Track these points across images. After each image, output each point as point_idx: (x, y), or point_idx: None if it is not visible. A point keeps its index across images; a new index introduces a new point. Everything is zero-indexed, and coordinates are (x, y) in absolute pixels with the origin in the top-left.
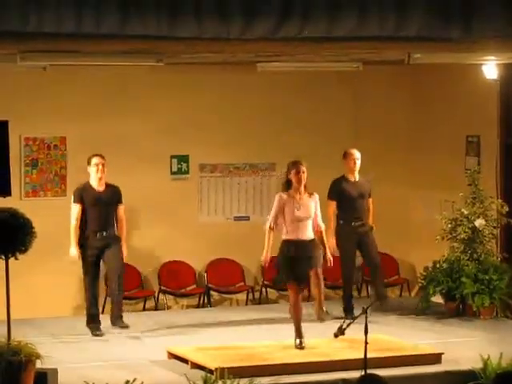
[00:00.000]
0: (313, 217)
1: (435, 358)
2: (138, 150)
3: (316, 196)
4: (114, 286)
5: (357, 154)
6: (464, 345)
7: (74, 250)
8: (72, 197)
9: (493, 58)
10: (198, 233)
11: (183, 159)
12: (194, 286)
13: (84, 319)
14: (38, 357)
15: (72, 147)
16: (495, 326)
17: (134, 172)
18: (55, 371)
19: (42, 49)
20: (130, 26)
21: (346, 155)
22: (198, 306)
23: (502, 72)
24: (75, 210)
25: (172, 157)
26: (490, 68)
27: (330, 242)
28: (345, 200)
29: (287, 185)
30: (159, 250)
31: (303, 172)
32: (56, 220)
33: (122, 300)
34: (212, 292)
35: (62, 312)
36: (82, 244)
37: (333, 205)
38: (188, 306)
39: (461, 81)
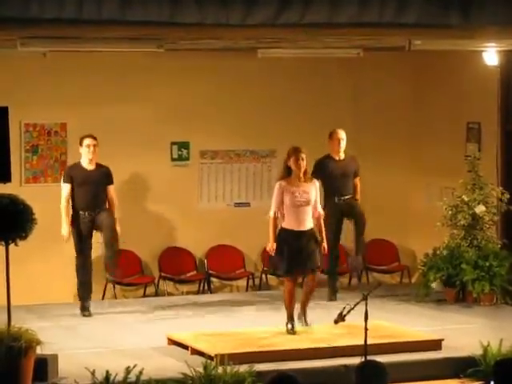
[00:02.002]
0: (313, 203)
1: (435, 345)
2: (138, 137)
3: (316, 182)
4: (107, 242)
5: (342, 134)
6: (464, 331)
7: (64, 230)
8: (62, 177)
9: (493, 44)
10: (199, 219)
11: (184, 146)
12: (195, 272)
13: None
14: (39, 343)
15: (72, 133)
16: (495, 313)
17: (135, 158)
18: (55, 357)
19: (43, 35)
20: (131, 12)
21: (331, 135)
22: (198, 293)
23: (503, 59)
24: (65, 189)
25: (172, 143)
26: (491, 55)
27: None
28: (328, 178)
29: (286, 172)
30: (159, 236)
31: (302, 159)
32: (56, 206)
33: (116, 256)
34: (212, 278)
35: (62, 298)
36: (72, 224)
37: None
38: (188, 293)
39: (461, 67)
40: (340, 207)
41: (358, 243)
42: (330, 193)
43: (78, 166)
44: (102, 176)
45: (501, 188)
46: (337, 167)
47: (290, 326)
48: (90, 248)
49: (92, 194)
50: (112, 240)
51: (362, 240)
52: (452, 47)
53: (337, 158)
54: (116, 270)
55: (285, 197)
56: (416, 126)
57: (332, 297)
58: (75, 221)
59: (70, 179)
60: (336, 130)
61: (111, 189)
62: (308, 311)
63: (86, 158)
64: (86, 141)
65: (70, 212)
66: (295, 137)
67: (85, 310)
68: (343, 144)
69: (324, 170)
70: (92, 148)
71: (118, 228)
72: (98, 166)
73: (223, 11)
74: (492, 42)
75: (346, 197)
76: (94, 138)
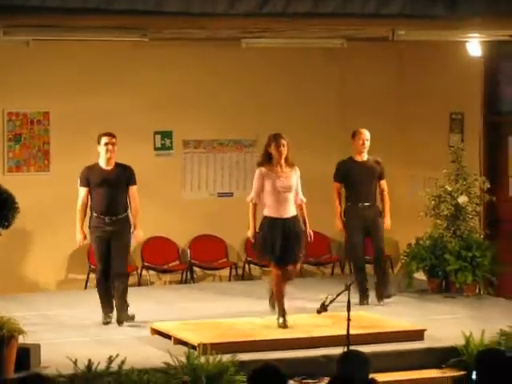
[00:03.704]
0: (294, 190)
1: (417, 335)
2: (121, 126)
3: (297, 169)
4: (115, 284)
5: (366, 135)
6: (446, 321)
7: (78, 236)
8: (78, 180)
9: (477, 35)
10: (182, 209)
11: (167, 135)
12: (177, 262)
13: (70, 296)
14: (21, 332)
15: (55, 122)
16: (478, 303)
17: (118, 148)
18: (38, 347)
19: (26, 23)
20: (117, 1)
21: (355, 134)
22: (180, 282)
23: (486, 49)
24: (81, 193)
25: (155, 133)
26: (474, 45)
27: (337, 224)
28: (351, 181)
29: (267, 158)
30: (142, 226)
31: (283, 145)
32: (39, 195)
33: (125, 300)
34: (195, 268)
35: (44, 287)
36: (91, 229)
37: (337, 187)
38: (171, 282)
39: (445, 58)
40: (362, 215)
41: (380, 281)
42: (352, 198)
43: (95, 166)
44: (122, 176)
45: (483, 178)
46: (360, 170)
47: (281, 320)
48: (109, 258)
49: (111, 196)
50: (121, 279)
51: (386, 274)
52: (436, 38)
53: (360, 160)
54: (124, 316)
55: (265, 183)
56: (400, 116)
57: (364, 301)
58: (94, 226)
59: (86, 182)
60: (360, 129)
61: (133, 189)
62: (290, 302)
63: (103, 158)
64: (104, 139)
65: (88, 216)
66: (279, 126)
67: (106, 324)
68: (367, 144)
69: (347, 172)
70: (110, 146)
71: (141, 232)
72: (118, 165)
73: (208, 1)
74: (476, 32)
75: (369, 203)
76: (113, 136)
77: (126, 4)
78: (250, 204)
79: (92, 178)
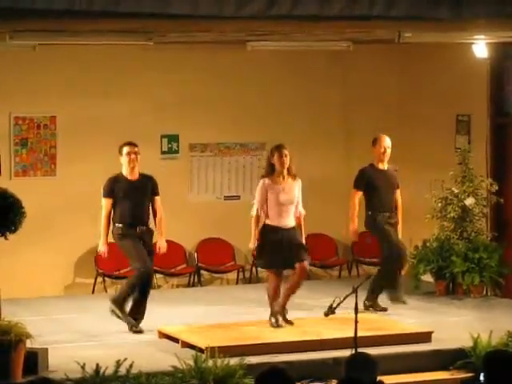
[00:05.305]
0: (295, 202)
1: (425, 337)
2: (127, 130)
3: (299, 181)
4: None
5: (387, 142)
6: (454, 323)
7: (102, 247)
8: (102, 190)
9: (483, 37)
10: (189, 212)
11: (173, 139)
12: (185, 265)
13: (77, 300)
14: (29, 336)
15: (62, 127)
16: (485, 305)
17: None
18: (45, 351)
19: (33, 28)
20: (124, 4)
21: (376, 142)
22: (188, 286)
23: (493, 51)
24: (105, 204)
25: (162, 136)
26: (481, 47)
27: (351, 231)
28: (372, 190)
29: (270, 169)
30: None
31: (285, 156)
32: (46, 199)
33: (144, 307)
34: (202, 271)
35: (50, 292)
36: (118, 237)
37: (357, 194)
38: (178, 286)
39: (451, 59)
40: (385, 221)
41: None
42: (374, 207)
43: (119, 177)
44: (148, 186)
45: (490, 180)
46: (382, 178)
47: (273, 319)
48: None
49: (136, 206)
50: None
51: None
52: (442, 40)
53: (381, 168)
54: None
55: (268, 195)
56: (406, 118)
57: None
58: (122, 234)
59: (111, 193)
60: (382, 136)
61: (158, 200)
62: (298, 304)
63: (127, 168)
64: (126, 148)
65: (111, 228)
66: (285, 130)
67: (134, 326)
68: (389, 152)
69: (369, 180)
70: (133, 156)
71: (165, 243)
72: (142, 175)
73: (215, 3)
74: (482, 34)
75: (391, 213)
76: (134, 145)
77: (132, 7)
78: (254, 216)
79: (117, 188)
